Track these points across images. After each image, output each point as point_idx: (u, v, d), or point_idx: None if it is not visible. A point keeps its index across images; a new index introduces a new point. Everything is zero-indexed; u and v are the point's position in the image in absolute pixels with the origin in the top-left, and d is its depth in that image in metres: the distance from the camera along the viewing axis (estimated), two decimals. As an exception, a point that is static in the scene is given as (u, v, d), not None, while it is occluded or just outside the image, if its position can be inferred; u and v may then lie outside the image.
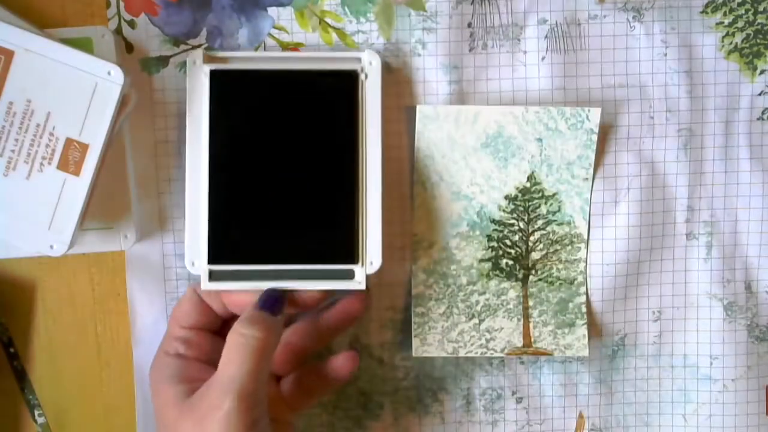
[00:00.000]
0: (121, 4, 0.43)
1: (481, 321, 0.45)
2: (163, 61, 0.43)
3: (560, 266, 0.45)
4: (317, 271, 0.41)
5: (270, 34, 0.43)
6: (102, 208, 0.42)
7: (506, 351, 0.45)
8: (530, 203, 0.45)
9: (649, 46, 0.44)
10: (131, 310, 0.45)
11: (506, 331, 0.45)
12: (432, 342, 0.45)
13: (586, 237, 0.45)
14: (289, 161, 0.41)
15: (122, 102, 0.38)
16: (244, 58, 0.42)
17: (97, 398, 0.45)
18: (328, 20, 0.44)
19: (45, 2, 0.42)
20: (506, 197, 0.44)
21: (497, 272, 0.45)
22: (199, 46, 0.43)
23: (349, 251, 0.42)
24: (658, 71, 0.45)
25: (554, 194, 0.45)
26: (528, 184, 0.44)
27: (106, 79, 0.38)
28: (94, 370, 0.45)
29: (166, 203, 0.44)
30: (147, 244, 0.44)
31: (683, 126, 0.45)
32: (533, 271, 0.45)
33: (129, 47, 0.43)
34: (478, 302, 0.45)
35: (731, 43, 0.45)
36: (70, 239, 0.38)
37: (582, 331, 0.45)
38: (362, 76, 0.42)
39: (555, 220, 0.45)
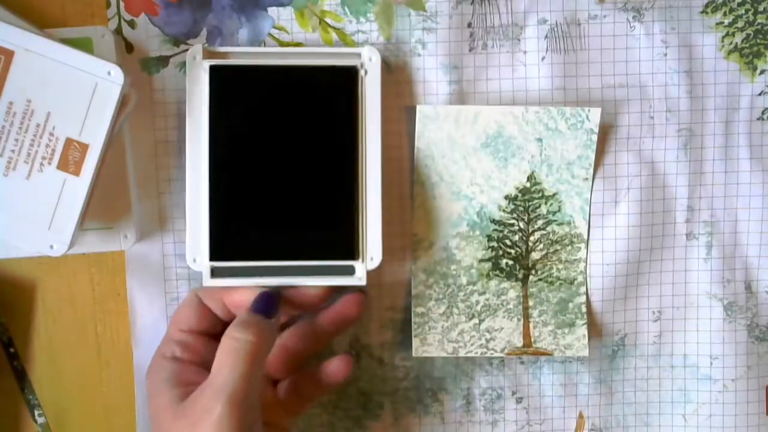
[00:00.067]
0: (121, 4, 0.43)
1: (481, 321, 0.45)
2: (163, 61, 0.43)
3: (560, 266, 0.45)
4: (318, 268, 0.42)
5: (270, 34, 0.43)
6: (102, 208, 0.42)
7: (506, 351, 0.45)
8: (530, 203, 0.45)
9: (649, 46, 0.44)
10: (131, 310, 0.45)
11: (506, 331, 0.45)
12: (432, 342, 0.45)
13: (586, 237, 0.45)
14: (289, 157, 0.42)
15: (122, 102, 0.38)
16: (243, 54, 0.42)
17: (97, 398, 0.45)
18: (328, 20, 0.44)
19: (45, 2, 0.42)
20: (506, 197, 0.44)
21: (497, 272, 0.45)
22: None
23: (349, 247, 0.42)
24: (658, 71, 0.45)
25: (554, 194, 0.45)
26: (528, 184, 0.44)
27: (106, 79, 0.38)
28: (94, 370, 0.45)
29: (166, 203, 0.44)
30: (147, 244, 0.44)
31: (683, 126, 0.45)
32: (533, 271, 0.45)
33: (129, 47, 0.43)
34: (478, 302, 0.45)
35: (731, 43, 0.45)
36: (70, 239, 0.38)
37: (582, 331, 0.45)
38: (362, 72, 0.42)
39: (555, 220, 0.45)
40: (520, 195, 0.44)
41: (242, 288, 0.41)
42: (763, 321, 0.46)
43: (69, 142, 0.38)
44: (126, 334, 0.45)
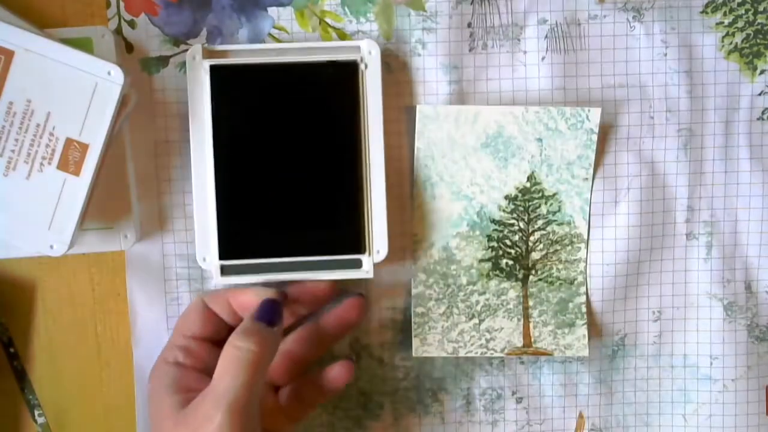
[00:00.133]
0: (121, 4, 0.43)
1: (481, 321, 0.45)
2: (163, 61, 0.43)
3: (560, 266, 0.45)
4: (325, 262, 0.42)
5: (270, 34, 0.43)
6: (102, 208, 0.42)
7: (506, 351, 0.45)
8: (530, 203, 0.45)
9: (649, 46, 0.44)
10: (131, 310, 0.45)
11: (506, 331, 0.45)
12: (432, 342, 0.45)
13: (586, 237, 0.45)
14: (293, 154, 0.42)
15: (122, 102, 0.38)
16: (243, 51, 0.42)
17: (97, 398, 0.45)
18: (328, 20, 0.44)
19: (45, 2, 0.42)
20: (506, 197, 0.44)
21: (497, 272, 0.45)
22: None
23: (355, 241, 0.42)
24: (658, 71, 0.45)
25: (554, 194, 0.45)
26: (528, 184, 0.44)
27: (106, 79, 0.38)
28: (94, 370, 0.45)
29: (166, 203, 0.44)
30: (147, 244, 0.44)
31: (683, 126, 0.45)
32: (533, 271, 0.45)
33: (129, 47, 0.43)
34: (478, 302, 0.45)
35: (731, 43, 0.45)
36: (70, 239, 0.38)
37: (582, 331, 0.45)
38: (362, 66, 0.42)
39: (555, 220, 0.45)
40: (520, 195, 0.44)
41: (249, 289, 0.41)
42: (763, 321, 0.46)
43: (69, 142, 0.38)
44: (126, 334, 0.45)
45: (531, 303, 0.45)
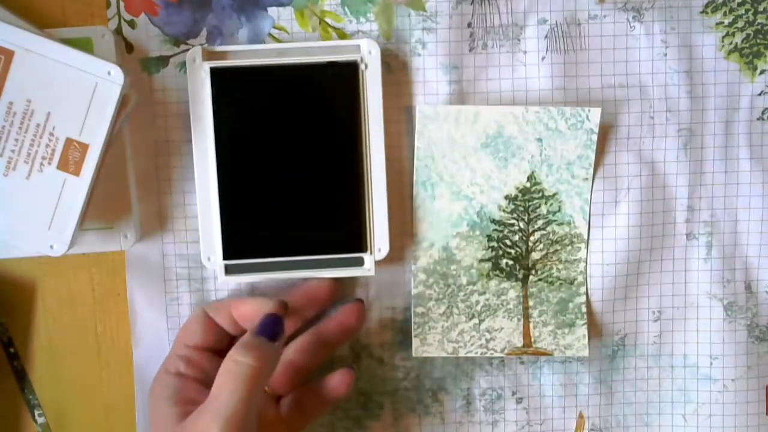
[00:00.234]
0: (121, 4, 0.43)
1: (481, 321, 0.45)
2: (163, 61, 0.43)
3: (560, 266, 0.45)
4: (328, 261, 0.43)
5: (270, 34, 0.43)
6: (102, 208, 0.42)
7: (506, 351, 0.45)
8: (530, 203, 0.45)
9: (649, 46, 0.44)
10: (131, 310, 0.45)
11: (506, 331, 0.45)
12: (432, 342, 0.45)
13: (586, 237, 0.45)
14: (295, 154, 0.42)
15: (122, 102, 0.38)
16: (243, 52, 0.42)
17: (97, 398, 0.45)
18: (328, 20, 0.44)
19: (45, 2, 0.42)
20: (506, 197, 0.44)
21: (497, 272, 0.45)
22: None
23: (357, 240, 0.42)
24: (658, 71, 0.45)
25: (554, 194, 0.45)
26: (528, 184, 0.44)
27: (106, 79, 0.38)
28: (94, 370, 0.45)
29: (166, 203, 0.44)
30: (147, 244, 0.44)
31: (683, 126, 0.45)
32: (533, 271, 0.45)
33: (129, 47, 0.43)
34: (478, 302, 0.45)
35: (731, 43, 0.45)
36: (70, 239, 0.38)
37: (582, 331, 0.45)
38: (362, 66, 0.42)
39: (555, 220, 0.45)
40: (520, 195, 0.44)
41: (250, 300, 0.41)
42: (763, 321, 0.46)
43: (69, 142, 0.38)
44: (126, 334, 0.45)
45: (531, 303, 0.45)
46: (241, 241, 0.42)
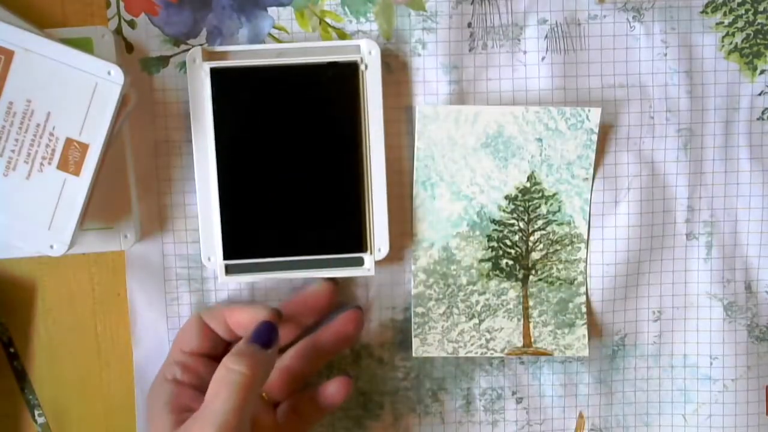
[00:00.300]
0: (121, 4, 0.43)
1: (481, 321, 0.45)
2: (163, 61, 0.43)
3: (560, 266, 0.45)
4: (328, 261, 0.43)
5: (270, 34, 0.43)
6: (102, 208, 0.42)
7: (506, 351, 0.45)
8: (530, 203, 0.45)
9: (649, 46, 0.44)
10: (131, 310, 0.45)
11: (506, 331, 0.45)
12: (432, 342, 0.45)
13: (586, 237, 0.45)
14: (294, 155, 0.42)
15: (122, 102, 0.38)
16: (243, 52, 0.42)
17: (97, 398, 0.45)
18: (328, 20, 0.44)
19: (45, 2, 0.42)
20: (506, 197, 0.44)
21: (497, 272, 0.45)
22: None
23: (357, 240, 0.42)
24: (658, 71, 0.45)
25: (554, 194, 0.45)
26: (528, 184, 0.44)
27: (106, 79, 0.38)
28: (94, 370, 0.45)
29: (166, 203, 0.44)
30: (147, 244, 0.44)
31: (683, 126, 0.45)
32: (533, 271, 0.45)
33: (129, 47, 0.43)
34: (478, 302, 0.45)
35: (731, 43, 0.45)
36: (70, 239, 0.38)
37: (582, 331, 0.45)
38: (362, 67, 0.42)
39: (555, 220, 0.45)
40: (520, 195, 0.44)
41: (245, 308, 0.41)
42: (763, 321, 0.46)
43: (69, 142, 0.38)
44: (126, 334, 0.45)
45: (531, 303, 0.45)
46: (242, 241, 0.42)
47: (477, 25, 0.44)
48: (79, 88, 0.38)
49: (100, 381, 0.45)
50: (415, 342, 0.45)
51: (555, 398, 0.47)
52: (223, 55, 0.42)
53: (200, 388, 0.40)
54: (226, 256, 0.42)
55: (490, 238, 0.45)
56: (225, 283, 0.44)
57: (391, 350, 0.46)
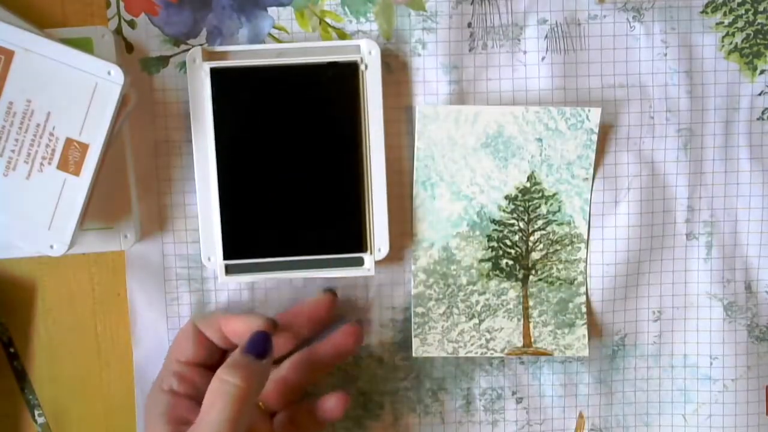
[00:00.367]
0: (121, 4, 0.43)
1: (481, 321, 0.45)
2: (163, 61, 0.43)
3: (560, 266, 0.45)
4: (328, 261, 0.43)
5: (270, 34, 0.43)
6: (102, 208, 0.42)
7: (506, 351, 0.45)
8: (530, 203, 0.45)
9: (649, 46, 0.44)
10: (131, 310, 0.45)
11: (506, 331, 0.45)
12: (432, 342, 0.45)
13: (586, 237, 0.45)
14: (295, 155, 0.42)
15: (122, 102, 0.38)
16: (243, 52, 0.42)
17: (97, 398, 0.45)
18: (328, 20, 0.44)
19: (45, 2, 0.42)
20: (506, 197, 0.44)
21: (497, 272, 0.45)
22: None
23: (357, 240, 0.43)
24: (658, 71, 0.45)
25: (554, 194, 0.45)
26: (528, 184, 0.44)
27: (106, 79, 0.38)
28: (94, 370, 0.45)
29: (166, 203, 0.44)
30: (147, 244, 0.44)
31: (683, 126, 0.45)
32: (533, 271, 0.45)
33: (129, 47, 0.43)
34: (478, 302, 0.45)
35: (731, 43, 0.45)
36: (70, 239, 0.38)
37: (582, 331, 0.45)
38: (362, 67, 0.42)
39: (555, 220, 0.45)
40: (520, 195, 0.44)
41: (240, 317, 0.41)
42: (763, 321, 0.46)
43: (69, 142, 0.38)
44: (126, 334, 0.45)
45: (531, 303, 0.45)
46: (242, 241, 0.42)
47: (477, 25, 0.44)
48: (79, 88, 0.38)
49: (100, 381, 0.45)
50: (415, 342, 0.45)
51: (555, 398, 0.47)
52: (223, 55, 0.42)
53: (197, 398, 0.40)
54: (226, 256, 0.42)
55: (490, 238, 0.45)
56: (225, 283, 0.44)
57: (391, 350, 0.46)
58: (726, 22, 0.44)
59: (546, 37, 0.44)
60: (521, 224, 0.45)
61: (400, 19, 0.44)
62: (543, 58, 0.44)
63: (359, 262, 0.43)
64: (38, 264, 0.44)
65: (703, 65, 0.45)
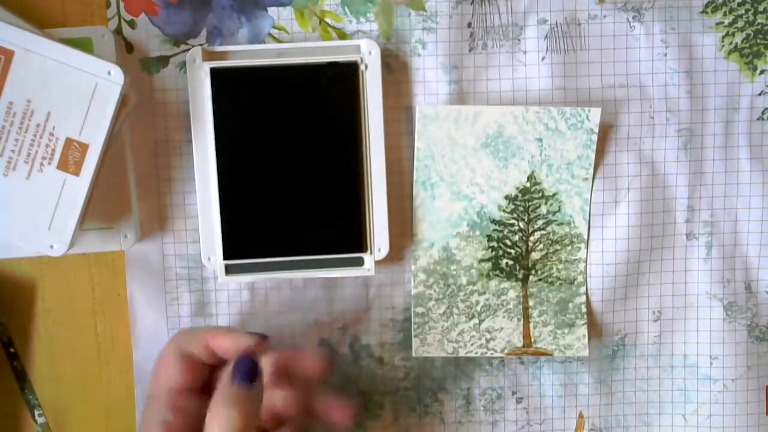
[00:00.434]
0: (121, 4, 0.43)
1: (481, 321, 0.45)
2: (163, 61, 0.43)
3: (560, 266, 0.45)
4: (328, 260, 0.43)
5: (270, 34, 0.43)
6: (102, 208, 0.42)
7: (506, 351, 0.45)
8: (530, 203, 0.45)
9: (649, 46, 0.44)
10: (131, 310, 0.45)
11: (506, 331, 0.45)
12: (432, 342, 0.45)
13: (586, 237, 0.45)
14: (295, 155, 0.42)
15: (122, 102, 0.38)
16: (243, 52, 0.42)
17: (97, 398, 0.45)
18: (328, 20, 0.44)
19: (45, 2, 0.42)
20: (506, 197, 0.44)
21: (497, 272, 0.45)
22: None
23: (357, 240, 0.43)
24: (658, 71, 0.45)
25: (554, 194, 0.45)
26: (528, 184, 0.44)
27: (106, 79, 0.38)
28: (94, 370, 0.45)
29: (166, 203, 0.44)
30: (147, 244, 0.44)
31: (683, 126, 0.45)
32: (533, 271, 0.45)
33: (129, 47, 0.43)
34: (478, 302, 0.45)
35: (731, 43, 0.45)
36: (70, 239, 0.38)
37: (582, 331, 0.45)
38: (362, 67, 0.42)
39: (555, 220, 0.45)
40: (520, 195, 0.44)
41: (227, 334, 0.39)
42: (763, 321, 0.46)
43: (69, 142, 0.38)
44: (126, 334, 0.45)
45: (531, 303, 0.45)
46: (242, 241, 0.42)
47: (477, 25, 0.44)
48: (79, 88, 0.38)
49: (100, 381, 0.45)
50: (415, 342, 0.45)
51: (555, 398, 0.47)
52: (223, 55, 0.42)
53: (193, 426, 0.39)
54: (226, 256, 0.42)
55: (490, 238, 0.45)
56: (225, 283, 0.44)
57: (391, 350, 0.46)
58: (726, 22, 0.44)
59: (546, 37, 0.44)
60: (521, 224, 0.45)
61: (400, 19, 0.44)
62: (543, 58, 0.44)
63: (359, 262, 0.43)
64: (38, 264, 0.44)
65: (703, 65, 0.45)
